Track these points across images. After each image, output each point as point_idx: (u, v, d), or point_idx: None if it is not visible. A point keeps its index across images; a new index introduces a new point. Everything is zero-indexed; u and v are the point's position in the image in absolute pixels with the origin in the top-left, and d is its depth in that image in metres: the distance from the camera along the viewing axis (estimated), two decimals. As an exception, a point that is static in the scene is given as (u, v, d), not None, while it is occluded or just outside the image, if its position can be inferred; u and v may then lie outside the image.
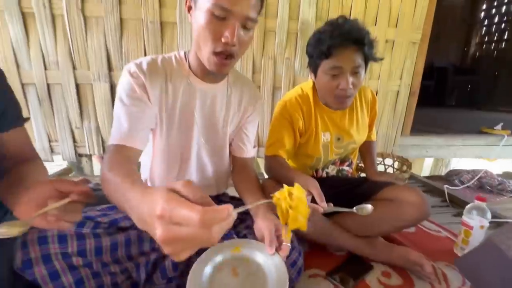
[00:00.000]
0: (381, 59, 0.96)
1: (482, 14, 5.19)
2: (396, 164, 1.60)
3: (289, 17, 1.57)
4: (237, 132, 0.88)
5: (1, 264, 0.53)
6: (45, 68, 1.46)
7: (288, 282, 0.53)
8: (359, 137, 1.09)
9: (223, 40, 0.62)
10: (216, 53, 0.64)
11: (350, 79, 0.89)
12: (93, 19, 1.44)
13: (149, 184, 0.83)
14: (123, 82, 0.68)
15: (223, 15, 0.60)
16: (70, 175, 1.86)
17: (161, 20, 1.48)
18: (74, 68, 1.48)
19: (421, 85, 1.85)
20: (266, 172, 1.05)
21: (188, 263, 0.59)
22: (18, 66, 1.44)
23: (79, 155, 1.66)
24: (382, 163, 1.62)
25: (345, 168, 1.15)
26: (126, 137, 0.64)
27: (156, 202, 0.32)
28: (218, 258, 0.60)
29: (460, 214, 1.21)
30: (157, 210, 0.31)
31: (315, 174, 1.13)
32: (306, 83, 1.07)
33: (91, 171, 1.78)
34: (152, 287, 0.67)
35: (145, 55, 1.50)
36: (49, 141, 1.59)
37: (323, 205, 0.70)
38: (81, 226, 0.62)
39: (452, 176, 1.87)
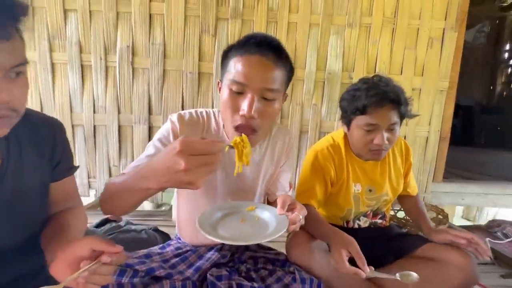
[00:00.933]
0: (416, 115, 0.98)
1: (506, 54, 5.15)
2: (429, 213, 1.53)
3: (316, 67, 1.67)
4: (273, 183, 0.90)
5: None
6: (94, 112, 1.63)
7: (287, 224, 0.60)
8: (392, 190, 1.07)
9: (240, 113, 0.65)
10: (237, 128, 0.67)
11: (385, 135, 0.90)
12: (140, 70, 1.61)
13: (176, 226, 0.87)
14: (163, 127, 0.76)
15: (241, 89, 0.65)
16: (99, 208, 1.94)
17: (199, 71, 1.63)
18: (118, 112, 1.64)
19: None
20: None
21: None
22: (71, 110, 1.62)
23: (113, 191, 1.74)
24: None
25: (378, 221, 1.11)
26: None
27: (175, 145, 0.44)
28: (231, 210, 0.70)
29: (510, 275, 1.09)
30: (177, 147, 0.43)
31: (345, 225, 1.10)
32: (337, 133, 1.09)
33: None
34: None
35: (183, 101, 1.65)
36: (88, 177, 1.71)
37: (365, 269, 0.68)
38: (122, 275, 0.64)
39: (493, 228, 1.73)
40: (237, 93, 0.66)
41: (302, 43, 1.65)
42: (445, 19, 1.67)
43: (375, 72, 1.69)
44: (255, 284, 0.74)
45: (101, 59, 1.58)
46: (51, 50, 1.55)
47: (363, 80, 0.96)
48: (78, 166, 0.69)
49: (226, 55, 0.71)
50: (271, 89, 0.66)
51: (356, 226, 1.09)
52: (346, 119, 0.98)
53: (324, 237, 0.85)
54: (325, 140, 1.07)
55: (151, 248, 0.84)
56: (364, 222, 1.10)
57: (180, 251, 0.82)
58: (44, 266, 0.49)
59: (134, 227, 1.19)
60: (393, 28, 1.66)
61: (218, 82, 0.75)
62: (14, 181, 0.53)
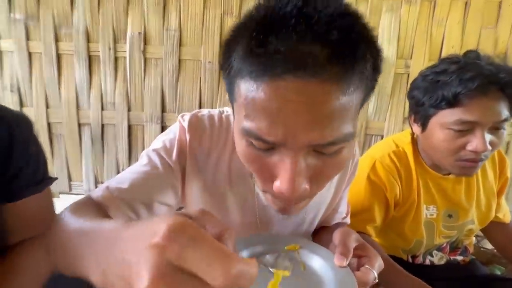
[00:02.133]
0: None
1: None
2: None
3: (363, 54, 1.36)
4: (331, 213, 0.64)
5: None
6: (102, 109, 1.45)
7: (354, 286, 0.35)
8: (480, 216, 0.82)
9: (274, 189, 0.34)
10: (275, 197, 0.38)
11: (488, 138, 0.64)
12: (153, 60, 1.42)
13: None
14: (167, 131, 0.54)
15: (269, 147, 0.34)
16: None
17: (220, 60, 1.39)
18: (128, 109, 1.45)
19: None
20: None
21: None
22: (78, 107, 1.45)
23: (122, 199, 1.56)
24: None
25: (458, 258, 0.85)
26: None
27: (157, 227, 0.18)
28: (266, 247, 0.42)
29: None
30: (156, 238, 0.17)
31: (411, 260, 0.84)
32: (401, 136, 0.84)
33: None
34: None
35: (200, 96, 1.44)
36: (95, 182, 1.53)
37: None
38: None
39: None
40: (264, 151, 0.34)
41: (345, 25, 1.35)
42: (540, -12, 1.29)
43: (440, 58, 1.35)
44: None
45: (109, 49, 1.40)
46: (56, 40, 1.40)
47: (450, 60, 0.68)
48: (54, 178, 0.52)
49: (228, 54, 0.35)
50: (333, 142, 0.32)
51: (427, 263, 0.83)
52: (422, 116, 0.72)
53: (394, 284, 0.62)
54: (385, 145, 0.82)
55: None
56: (439, 259, 0.83)
57: None
58: None
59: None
60: (466, 3, 1.31)
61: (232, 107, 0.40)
62: None
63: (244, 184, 0.52)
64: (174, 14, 1.38)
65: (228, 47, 0.35)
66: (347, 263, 0.37)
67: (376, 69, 0.34)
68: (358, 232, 0.72)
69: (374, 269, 0.38)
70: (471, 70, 0.63)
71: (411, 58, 1.35)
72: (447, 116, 0.67)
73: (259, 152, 0.34)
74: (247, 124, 0.32)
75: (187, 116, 0.50)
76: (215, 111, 0.53)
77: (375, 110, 1.41)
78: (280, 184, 0.32)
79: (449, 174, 0.78)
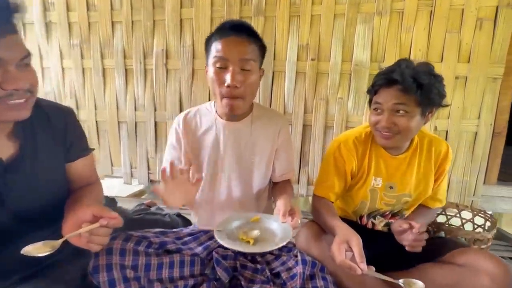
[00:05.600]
0: (446, 105, 0.90)
1: None
2: (477, 219, 1.33)
3: (342, 59, 1.61)
4: (275, 157, 0.96)
5: (79, 267, 0.66)
6: (135, 110, 1.85)
7: (291, 232, 0.74)
8: (416, 192, 0.98)
9: (225, 84, 0.76)
10: (224, 97, 0.79)
11: (392, 118, 0.85)
12: (173, 70, 1.78)
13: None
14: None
15: (223, 64, 0.77)
16: (143, 196, 2.18)
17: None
18: (155, 109, 1.83)
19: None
20: (311, 212, 1.03)
21: None
22: (118, 108, 1.86)
23: (150, 181, 1.94)
24: (458, 215, 1.37)
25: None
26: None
27: None
28: (236, 223, 0.82)
29: None
30: None
31: (359, 221, 1.04)
32: (365, 125, 1.04)
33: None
34: None
35: (209, 98, 1.75)
36: (131, 167, 1.93)
37: (362, 267, 0.65)
38: (138, 244, 0.72)
39: None
40: (220, 68, 0.77)
41: (326, 35, 1.60)
42: (499, -4, 1.44)
43: (409, 60, 1.55)
44: (259, 266, 0.77)
45: (140, 63, 1.78)
46: (102, 58, 1.82)
47: (395, 63, 0.91)
48: (93, 149, 0.77)
49: (208, 42, 0.82)
50: (247, 59, 0.77)
51: (370, 224, 1.03)
52: (369, 103, 0.95)
53: (332, 230, 0.84)
54: (351, 132, 1.03)
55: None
56: (379, 222, 1.02)
57: (193, 231, 0.90)
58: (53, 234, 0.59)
59: (160, 211, 1.32)
60: (431, 11, 1.50)
61: (205, 67, 0.86)
62: (31, 160, 0.63)
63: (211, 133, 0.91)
64: (188, 34, 1.72)
65: (208, 37, 0.83)
66: (286, 219, 0.72)
67: (262, 46, 0.84)
68: (322, 197, 0.99)
69: (299, 219, 0.73)
70: (388, 69, 0.87)
71: (383, 61, 1.57)
72: (373, 101, 0.90)
73: (218, 70, 0.77)
74: (214, 54, 0.77)
75: (178, 116, 0.93)
76: (195, 108, 0.95)
77: (353, 106, 1.64)
78: (227, 78, 0.75)
79: (398, 155, 0.96)
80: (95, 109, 1.89)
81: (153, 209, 1.43)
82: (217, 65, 0.77)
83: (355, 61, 1.59)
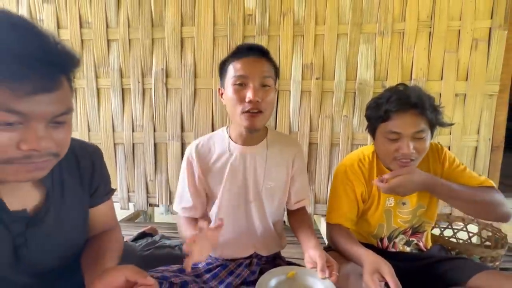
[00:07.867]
0: (450, 124, 0.92)
1: None
2: (484, 233, 1.36)
3: (346, 78, 1.62)
4: (291, 184, 0.94)
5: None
6: (133, 131, 1.75)
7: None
8: (428, 199, 0.98)
9: (247, 100, 0.76)
10: (245, 111, 0.78)
11: (412, 144, 0.85)
12: (173, 90, 1.71)
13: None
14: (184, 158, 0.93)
15: (243, 81, 0.77)
16: (136, 220, 2.07)
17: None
18: (154, 130, 1.74)
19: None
20: (329, 242, 1.00)
21: None
22: (114, 129, 1.76)
23: (149, 205, 1.84)
24: (465, 229, 1.39)
25: (416, 240, 1.02)
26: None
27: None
28: (273, 282, 0.71)
29: None
30: None
31: (380, 245, 1.02)
32: (367, 147, 1.05)
33: (152, 217, 1.95)
34: None
35: (213, 118, 1.71)
36: (128, 191, 1.82)
37: None
38: (160, 287, 0.68)
39: None
40: (240, 85, 0.77)
41: (330, 54, 1.61)
42: (491, 18, 1.52)
43: (411, 79, 1.58)
44: None
45: (138, 82, 1.71)
46: (96, 77, 1.72)
47: (388, 88, 0.93)
48: (115, 189, 0.71)
49: (223, 65, 0.84)
50: (267, 76, 0.79)
51: (391, 246, 1.01)
52: (371, 129, 0.95)
53: (356, 259, 0.81)
54: (354, 155, 1.03)
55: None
56: (399, 240, 1.01)
57: (210, 266, 0.88)
58: (83, 285, 0.53)
59: (168, 242, 1.23)
60: (430, 32, 1.56)
61: (219, 89, 0.86)
62: (57, 209, 0.56)
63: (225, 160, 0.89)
64: (189, 52, 1.68)
65: (224, 60, 0.85)
66: (326, 275, 0.67)
67: (275, 67, 0.85)
68: (336, 224, 0.97)
69: (337, 272, 0.69)
70: (396, 95, 0.86)
71: (386, 79, 1.60)
72: (383, 128, 0.88)
73: (238, 88, 0.77)
74: (233, 74, 0.78)
75: (190, 146, 0.90)
76: (207, 136, 0.93)
77: (358, 123, 1.65)
78: (249, 94, 0.75)
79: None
80: (88, 130, 1.78)
81: (156, 238, 1.34)
82: (237, 83, 0.77)
83: (359, 79, 1.61)
